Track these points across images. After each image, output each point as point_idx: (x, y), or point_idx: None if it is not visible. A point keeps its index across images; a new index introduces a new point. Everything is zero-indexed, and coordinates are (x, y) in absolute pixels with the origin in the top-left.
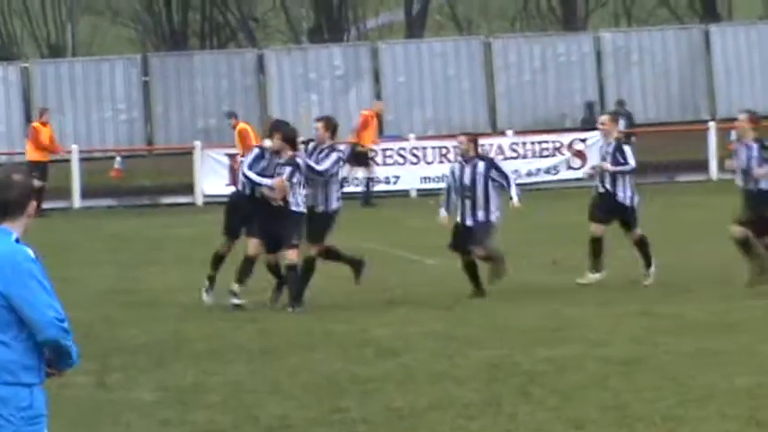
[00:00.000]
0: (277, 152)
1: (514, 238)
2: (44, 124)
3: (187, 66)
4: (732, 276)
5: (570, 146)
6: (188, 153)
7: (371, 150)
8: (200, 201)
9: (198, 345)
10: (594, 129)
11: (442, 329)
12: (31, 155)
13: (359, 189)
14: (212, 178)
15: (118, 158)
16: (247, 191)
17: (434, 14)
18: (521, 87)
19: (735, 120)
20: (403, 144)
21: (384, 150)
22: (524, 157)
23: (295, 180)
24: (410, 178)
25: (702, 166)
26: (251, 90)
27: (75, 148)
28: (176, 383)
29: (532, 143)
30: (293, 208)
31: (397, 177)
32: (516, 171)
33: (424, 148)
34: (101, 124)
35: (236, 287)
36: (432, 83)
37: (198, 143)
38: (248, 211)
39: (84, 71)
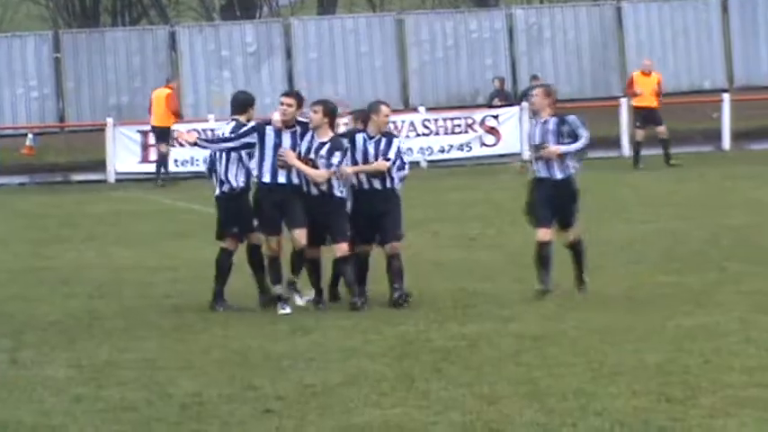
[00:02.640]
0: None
1: (427, 214)
2: None
3: (99, 42)
4: (642, 254)
5: (483, 122)
6: (100, 130)
7: None
8: (112, 178)
9: (111, 322)
10: (508, 105)
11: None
12: None
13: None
14: (124, 155)
15: (30, 135)
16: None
17: None
18: (433, 64)
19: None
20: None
21: None
22: (436, 133)
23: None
24: None
25: (614, 142)
26: (163, 67)
27: None
28: (89, 360)
29: (445, 120)
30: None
31: None
32: (429, 148)
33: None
34: (12, 101)
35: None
36: (344, 59)
37: (110, 120)
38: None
39: None
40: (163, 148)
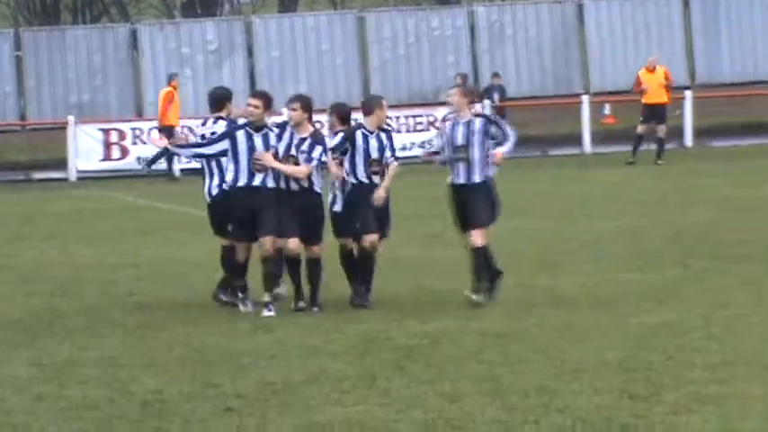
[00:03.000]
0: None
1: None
2: None
3: (60, 40)
4: (604, 251)
5: (444, 120)
6: (61, 128)
7: None
8: (73, 176)
9: (73, 320)
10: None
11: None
12: None
13: None
14: (86, 153)
15: None
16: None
17: None
18: (395, 61)
19: (610, 93)
20: (277, 119)
21: None
22: (398, 131)
23: None
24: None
25: (576, 139)
26: (124, 65)
27: None
28: (51, 359)
29: (406, 117)
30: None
31: None
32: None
33: None
34: None
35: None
36: (305, 57)
37: (71, 118)
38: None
39: None
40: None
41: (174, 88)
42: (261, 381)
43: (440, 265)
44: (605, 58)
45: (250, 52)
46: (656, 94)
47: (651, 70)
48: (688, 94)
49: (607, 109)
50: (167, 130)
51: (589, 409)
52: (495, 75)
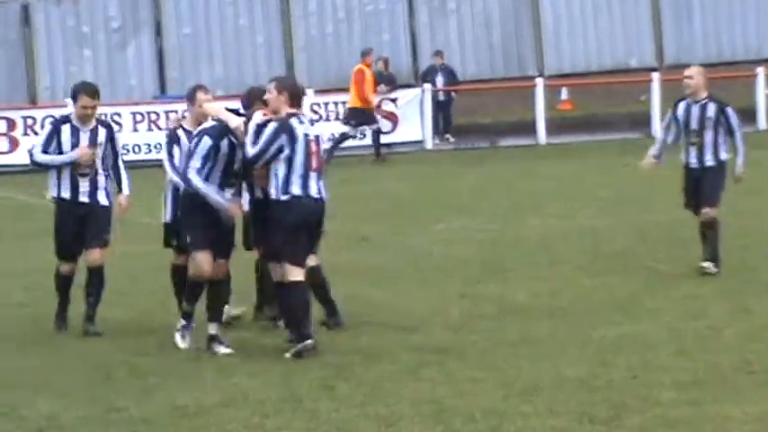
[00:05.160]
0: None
1: None
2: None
3: None
4: (561, 254)
5: (379, 106)
6: None
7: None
8: None
9: None
10: (405, 86)
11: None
12: None
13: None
14: None
15: None
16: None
17: None
18: (322, 40)
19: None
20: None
21: (167, 113)
22: (327, 119)
23: None
24: None
25: (529, 128)
26: (15, 45)
27: None
28: None
29: (335, 103)
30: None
31: None
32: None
33: None
34: None
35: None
36: (221, 35)
37: None
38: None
39: None
40: (352, 131)
41: (368, 66)
42: (170, 404)
43: (372, 272)
44: (562, 36)
45: (158, 30)
46: None
47: None
48: (655, 76)
49: (564, 94)
50: (357, 113)
51: None
52: (437, 53)
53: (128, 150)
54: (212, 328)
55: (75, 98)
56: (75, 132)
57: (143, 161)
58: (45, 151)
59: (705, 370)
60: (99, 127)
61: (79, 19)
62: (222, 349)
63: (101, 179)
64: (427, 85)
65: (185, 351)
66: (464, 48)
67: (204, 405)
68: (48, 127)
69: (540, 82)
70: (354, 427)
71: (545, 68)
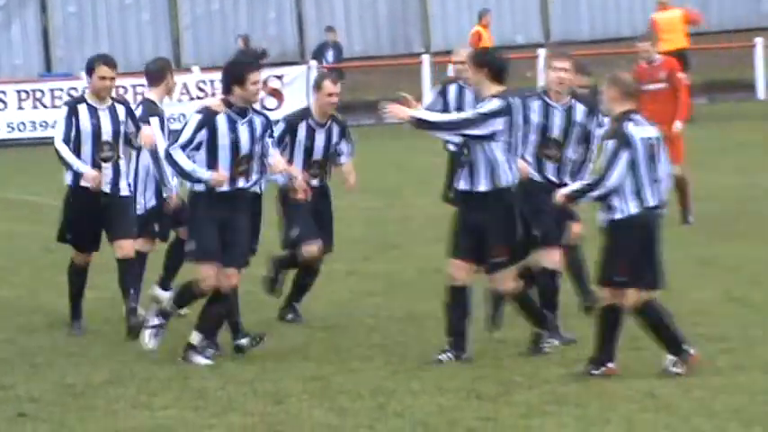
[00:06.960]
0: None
1: None
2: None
3: None
4: (444, 230)
5: (265, 83)
6: None
7: None
8: None
9: None
10: (291, 63)
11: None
12: None
13: None
14: None
15: None
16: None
17: None
18: (208, 18)
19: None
20: (74, 84)
21: (52, 91)
22: (213, 95)
23: None
24: None
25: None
26: None
27: None
28: None
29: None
30: None
31: None
32: None
33: None
34: None
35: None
36: (107, 13)
37: None
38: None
39: None
40: None
41: (485, 27)
42: (58, 382)
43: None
44: (448, 12)
45: (43, 7)
46: (675, 40)
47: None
48: (542, 52)
49: (451, 71)
50: None
51: (431, 411)
52: (329, 29)
53: (12, 128)
54: (195, 338)
55: (90, 71)
56: (93, 112)
57: (28, 139)
58: (67, 138)
59: (593, 346)
60: (116, 104)
61: None
62: (201, 360)
63: (122, 164)
64: (313, 63)
65: (72, 330)
66: (350, 25)
67: (92, 383)
68: (64, 109)
69: (426, 59)
70: (242, 405)
71: (431, 45)
